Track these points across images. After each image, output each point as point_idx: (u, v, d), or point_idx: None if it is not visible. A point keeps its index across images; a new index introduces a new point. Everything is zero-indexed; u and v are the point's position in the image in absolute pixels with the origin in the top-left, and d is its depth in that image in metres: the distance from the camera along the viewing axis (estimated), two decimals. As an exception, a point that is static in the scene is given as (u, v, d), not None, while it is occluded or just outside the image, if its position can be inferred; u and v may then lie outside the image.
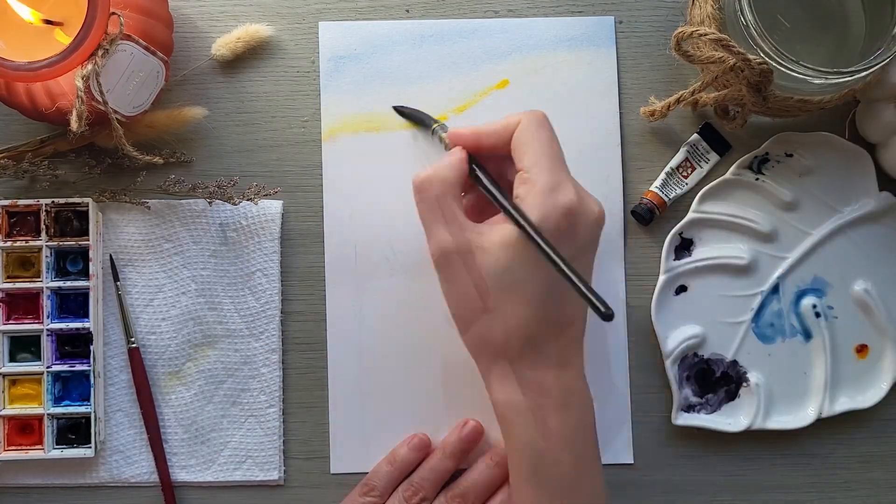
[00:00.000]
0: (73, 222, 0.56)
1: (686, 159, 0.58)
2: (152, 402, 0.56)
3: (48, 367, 0.55)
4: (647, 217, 0.58)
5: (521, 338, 0.49)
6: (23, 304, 0.56)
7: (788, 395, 0.58)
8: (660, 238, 0.58)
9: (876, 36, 0.51)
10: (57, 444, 0.56)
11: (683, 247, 0.58)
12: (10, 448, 0.55)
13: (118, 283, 0.56)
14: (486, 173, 0.51)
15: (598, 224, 0.50)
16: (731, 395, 0.57)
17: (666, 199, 0.58)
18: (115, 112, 0.51)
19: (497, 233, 0.48)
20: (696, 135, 0.58)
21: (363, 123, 0.58)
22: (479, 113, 0.58)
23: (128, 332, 0.56)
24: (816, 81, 0.50)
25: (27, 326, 0.55)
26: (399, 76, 0.58)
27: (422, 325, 0.57)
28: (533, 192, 0.48)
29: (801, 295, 0.58)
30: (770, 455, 0.58)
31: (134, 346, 0.56)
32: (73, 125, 0.49)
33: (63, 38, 0.51)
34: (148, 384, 0.56)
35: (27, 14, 0.50)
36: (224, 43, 0.57)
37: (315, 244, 0.58)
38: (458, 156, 0.51)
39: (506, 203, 0.49)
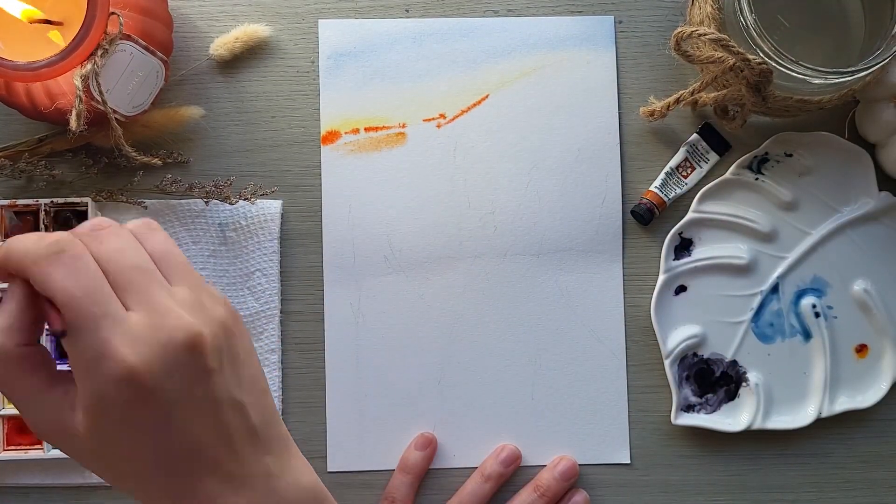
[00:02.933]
0: (72, 222, 0.56)
1: (686, 159, 0.58)
2: None
3: (47, 367, 0.55)
4: (646, 217, 0.57)
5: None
6: (22, 304, 0.56)
7: (788, 394, 0.58)
8: (659, 238, 0.58)
9: (875, 36, 0.51)
10: (56, 444, 0.56)
11: (683, 247, 0.58)
12: (10, 448, 0.55)
13: None
14: None
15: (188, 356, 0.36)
16: (731, 395, 0.57)
17: (665, 198, 0.58)
18: (115, 112, 0.51)
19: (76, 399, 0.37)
20: (695, 135, 0.58)
21: (362, 122, 0.58)
22: (480, 113, 0.58)
23: None
24: (816, 81, 0.50)
25: (26, 326, 0.55)
26: (399, 75, 0.58)
27: (420, 324, 0.57)
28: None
29: (800, 295, 0.58)
30: (770, 455, 0.58)
31: None
32: (73, 125, 0.48)
33: (58, 39, 0.51)
34: None
35: (18, 13, 0.50)
36: (222, 43, 0.57)
37: (314, 244, 0.58)
38: (21, 301, 0.37)
39: None
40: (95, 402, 0.36)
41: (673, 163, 0.58)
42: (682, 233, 0.58)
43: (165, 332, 0.35)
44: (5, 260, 0.37)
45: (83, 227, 0.38)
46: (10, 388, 0.38)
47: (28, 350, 0.38)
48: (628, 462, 0.57)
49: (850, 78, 0.49)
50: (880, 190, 0.58)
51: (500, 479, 0.56)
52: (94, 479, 0.56)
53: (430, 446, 0.57)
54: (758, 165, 0.57)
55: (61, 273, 0.35)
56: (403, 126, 0.58)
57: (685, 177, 0.58)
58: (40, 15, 0.50)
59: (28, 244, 0.36)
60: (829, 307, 0.58)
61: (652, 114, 0.56)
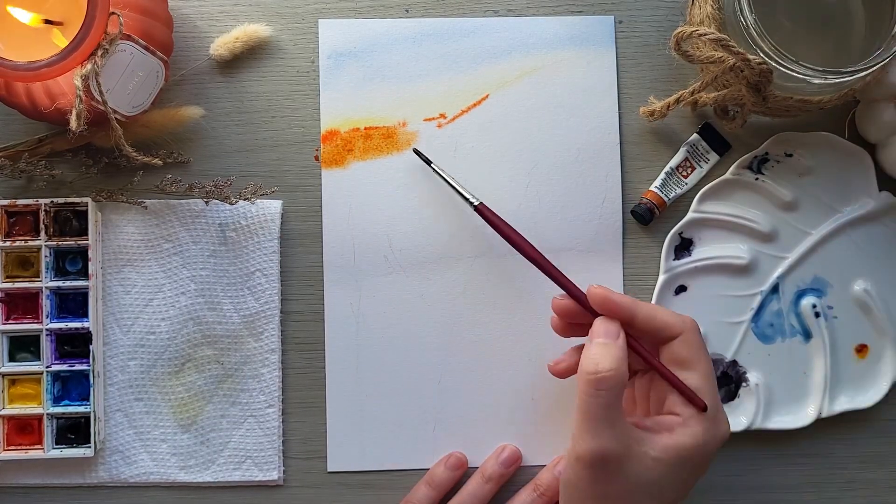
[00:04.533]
0: (72, 222, 0.56)
1: (686, 159, 0.58)
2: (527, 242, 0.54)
3: (47, 367, 0.55)
4: (646, 217, 0.57)
5: None
6: (22, 304, 0.56)
7: (788, 394, 0.58)
8: (659, 238, 0.58)
9: (876, 36, 0.51)
10: (56, 444, 0.56)
11: (683, 247, 0.58)
12: (10, 448, 0.55)
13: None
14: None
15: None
16: (731, 395, 0.57)
17: (665, 198, 0.58)
18: (115, 112, 0.51)
19: (653, 445, 0.48)
20: (695, 135, 0.58)
21: (362, 122, 0.58)
22: (480, 113, 0.58)
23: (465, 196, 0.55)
24: (816, 81, 0.50)
25: (26, 326, 0.55)
26: (399, 75, 0.58)
27: (421, 323, 0.57)
28: (697, 418, 0.48)
29: (800, 295, 0.58)
30: (770, 455, 0.58)
31: (478, 202, 0.55)
32: (73, 125, 0.48)
33: (58, 39, 0.51)
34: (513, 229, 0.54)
35: (25, 17, 0.50)
36: (222, 43, 0.57)
37: (314, 244, 0.58)
38: (623, 343, 0.49)
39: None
40: (697, 446, 0.48)
41: (673, 163, 0.58)
42: (682, 233, 0.58)
43: (727, 421, 0.50)
44: (617, 308, 0.50)
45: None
46: (613, 409, 0.47)
47: (625, 385, 0.48)
48: (628, 462, 0.57)
49: (850, 78, 0.49)
50: (880, 190, 0.58)
51: (501, 480, 0.56)
52: (94, 479, 0.56)
53: (460, 469, 0.57)
54: (758, 165, 0.57)
55: (706, 356, 0.50)
56: (404, 126, 0.58)
57: (685, 177, 0.58)
58: (41, 16, 0.50)
59: (669, 316, 0.50)
60: (830, 307, 0.58)
61: (652, 114, 0.56)
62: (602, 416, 0.47)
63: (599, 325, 0.49)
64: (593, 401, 0.47)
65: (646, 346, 0.50)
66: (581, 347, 0.50)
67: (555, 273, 0.52)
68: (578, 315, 0.51)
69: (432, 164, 0.56)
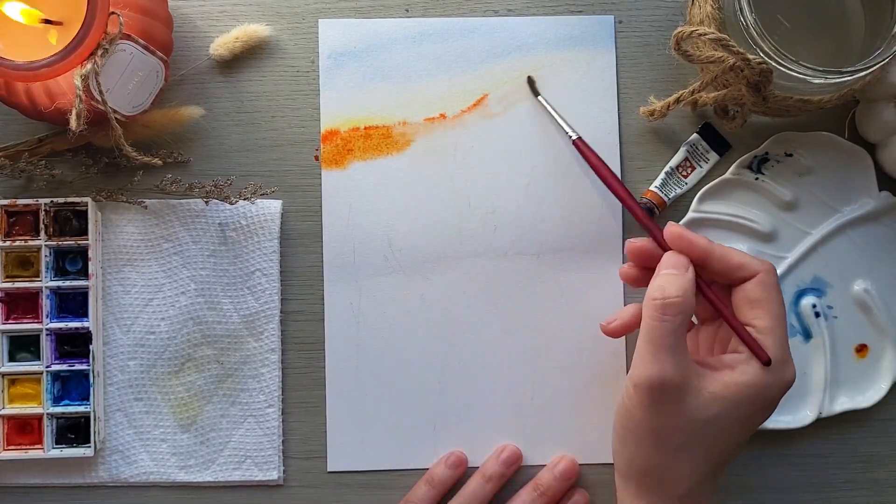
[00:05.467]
0: (72, 222, 0.56)
1: (686, 159, 0.58)
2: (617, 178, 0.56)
3: (47, 367, 0.55)
4: (646, 217, 0.57)
5: (688, 486, 0.48)
6: (22, 304, 0.56)
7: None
8: (659, 238, 0.58)
9: (875, 36, 0.51)
10: (56, 444, 0.56)
11: (683, 247, 0.58)
12: (10, 448, 0.55)
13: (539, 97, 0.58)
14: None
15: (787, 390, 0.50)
16: (731, 395, 0.57)
17: (665, 198, 0.58)
18: (115, 112, 0.51)
19: (713, 381, 0.47)
20: (695, 134, 0.58)
21: (363, 122, 0.58)
22: (480, 113, 0.58)
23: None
24: (816, 81, 0.50)
25: (26, 326, 0.55)
26: (399, 75, 0.58)
27: (421, 323, 0.57)
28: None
29: (800, 294, 0.58)
30: (770, 455, 0.58)
31: (576, 136, 0.56)
32: (73, 125, 0.48)
33: (59, 40, 0.51)
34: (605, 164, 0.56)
35: (17, 14, 0.50)
36: (222, 43, 0.57)
37: (314, 244, 0.58)
38: (692, 276, 0.49)
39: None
40: (760, 390, 0.47)
41: (673, 163, 0.58)
42: (682, 233, 0.57)
43: (793, 369, 0.49)
44: (702, 246, 0.50)
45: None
46: (672, 337, 0.47)
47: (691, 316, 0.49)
48: (628, 462, 0.57)
49: (850, 78, 0.49)
50: (880, 190, 0.57)
51: (502, 480, 0.56)
52: (94, 478, 0.56)
53: (461, 467, 0.57)
54: (758, 165, 0.57)
55: (779, 299, 0.49)
56: (403, 126, 0.58)
57: (685, 176, 0.58)
58: (41, 16, 0.50)
59: (745, 257, 0.49)
60: (830, 307, 0.58)
61: (652, 113, 0.56)
62: (665, 343, 0.47)
63: (668, 257, 0.50)
64: (658, 325, 0.47)
65: (716, 293, 0.50)
66: (636, 307, 0.51)
67: (637, 211, 0.53)
68: (654, 258, 0.51)
69: (540, 97, 0.57)
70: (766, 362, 0.47)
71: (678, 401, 0.47)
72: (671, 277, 0.48)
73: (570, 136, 0.56)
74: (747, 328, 0.48)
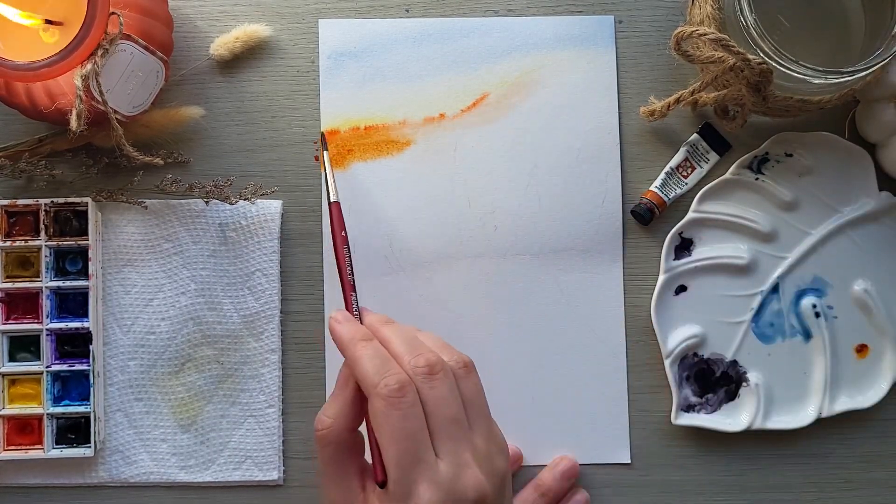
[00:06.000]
0: (72, 222, 0.56)
1: (686, 159, 0.58)
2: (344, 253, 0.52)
3: (47, 367, 0.55)
4: (646, 217, 0.57)
5: None
6: (22, 304, 0.56)
7: (788, 394, 0.58)
8: (659, 238, 0.58)
9: (875, 36, 0.51)
10: (56, 444, 0.56)
11: (683, 247, 0.58)
12: (10, 448, 0.55)
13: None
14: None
15: (495, 490, 0.44)
16: (731, 395, 0.57)
17: (666, 198, 0.58)
18: (115, 112, 0.51)
19: None
20: (695, 135, 0.58)
21: (363, 122, 0.58)
22: (480, 113, 0.58)
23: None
24: (816, 81, 0.50)
25: (26, 326, 0.55)
26: (399, 75, 0.58)
27: (421, 323, 0.57)
28: (377, 495, 0.43)
29: (800, 295, 0.58)
30: (770, 455, 0.58)
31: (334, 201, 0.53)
32: (73, 125, 0.48)
33: (58, 39, 0.51)
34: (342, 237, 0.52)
35: (14, 15, 0.50)
36: (222, 43, 0.57)
37: (314, 244, 0.58)
38: (350, 394, 0.46)
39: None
40: None
41: (673, 163, 0.58)
42: (682, 233, 0.58)
43: (461, 487, 0.42)
44: (340, 345, 0.46)
45: (419, 367, 0.44)
46: (332, 466, 0.45)
47: (353, 436, 0.46)
48: (628, 462, 0.57)
49: (850, 78, 0.49)
50: (880, 190, 0.58)
51: None
52: (94, 479, 0.56)
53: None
54: (758, 165, 0.57)
55: (395, 417, 0.42)
56: (403, 126, 0.58)
57: (685, 177, 0.58)
58: (41, 16, 0.50)
59: (370, 370, 0.44)
60: (830, 307, 0.58)
61: (652, 114, 0.56)
62: (326, 473, 0.45)
63: (340, 370, 0.48)
64: (320, 454, 0.45)
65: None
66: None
67: (345, 290, 0.50)
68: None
69: (325, 152, 0.56)
70: (381, 483, 0.43)
71: None
72: (330, 400, 0.46)
73: (330, 199, 0.53)
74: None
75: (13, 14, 0.50)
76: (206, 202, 0.57)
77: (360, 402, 0.46)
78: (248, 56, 0.58)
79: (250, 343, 0.57)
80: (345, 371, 0.47)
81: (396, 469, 0.42)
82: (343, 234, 0.51)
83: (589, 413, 0.57)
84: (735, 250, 0.57)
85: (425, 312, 0.57)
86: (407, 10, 0.59)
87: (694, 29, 0.50)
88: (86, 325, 0.55)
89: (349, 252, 0.51)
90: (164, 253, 0.57)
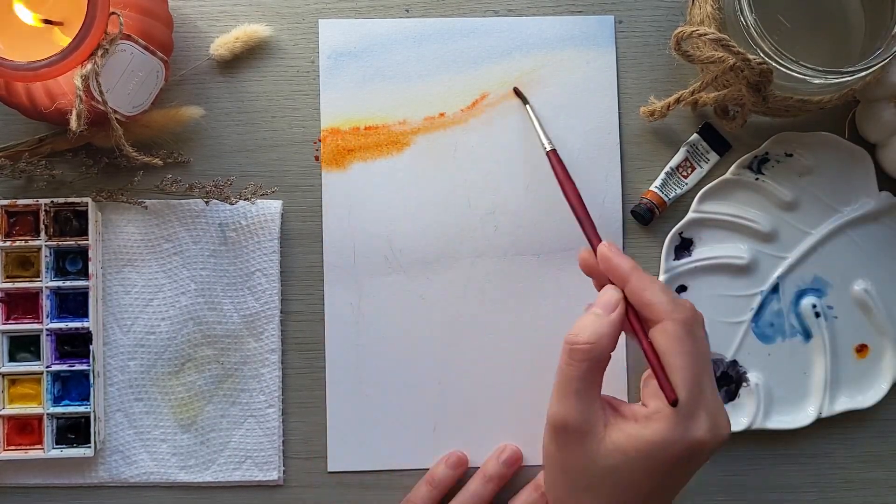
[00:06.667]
0: (72, 222, 0.56)
1: (686, 159, 0.58)
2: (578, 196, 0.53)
3: (48, 367, 0.55)
4: (646, 217, 0.57)
5: None
6: (22, 304, 0.56)
7: (788, 394, 0.58)
8: (659, 238, 0.58)
9: (875, 36, 0.51)
10: (56, 444, 0.56)
11: (683, 247, 0.58)
12: (10, 448, 0.55)
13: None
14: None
15: (720, 447, 0.47)
16: (731, 395, 0.57)
17: (666, 198, 0.58)
18: (115, 112, 0.51)
19: (617, 431, 0.46)
20: (695, 135, 0.58)
21: (363, 122, 0.58)
22: (480, 113, 0.58)
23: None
24: (816, 81, 0.50)
25: (26, 326, 0.55)
26: (399, 75, 0.58)
27: (421, 323, 0.57)
28: (664, 413, 0.45)
29: (800, 295, 0.58)
30: (770, 455, 0.58)
31: (551, 148, 0.55)
32: (73, 125, 0.48)
33: (58, 39, 0.51)
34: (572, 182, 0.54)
35: (28, 17, 0.50)
36: (222, 43, 0.57)
37: (314, 244, 0.58)
38: (616, 318, 0.48)
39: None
40: (661, 445, 0.45)
41: (673, 163, 0.58)
42: (682, 233, 0.58)
43: (720, 424, 0.46)
44: (620, 272, 0.48)
45: (689, 309, 0.47)
46: (584, 382, 0.46)
47: (609, 357, 0.48)
48: (628, 462, 0.57)
49: (850, 78, 0.49)
50: (880, 190, 0.58)
51: (502, 480, 0.56)
52: (94, 479, 0.56)
53: (461, 467, 0.57)
54: (758, 165, 0.57)
55: (690, 343, 0.46)
56: (403, 126, 0.58)
57: (685, 177, 0.58)
58: (41, 16, 0.50)
59: (664, 297, 0.47)
60: (830, 307, 0.58)
61: (652, 114, 0.56)
62: (569, 388, 0.46)
63: (602, 294, 0.49)
64: (566, 368, 0.47)
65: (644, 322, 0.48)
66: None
67: (588, 229, 0.52)
68: (599, 274, 0.51)
69: (528, 105, 0.57)
70: (673, 402, 0.45)
71: (580, 444, 0.46)
72: (590, 319, 0.48)
73: (545, 147, 0.55)
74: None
75: (27, 16, 0.50)
76: (206, 202, 0.57)
77: (621, 327, 0.48)
78: (248, 56, 0.58)
79: (250, 343, 0.57)
80: (613, 295, 0.48)
81: (687, 391, 0.45)
82: (570, 179, 0.53)
83: (589, 413, 0.57)
84: (735, 250, 0.57)
85: (425, 312, 0.57)
86: (407, 10, 0.59)
87: (694, 29, 0.50)
88: (86, 325, 0.55)
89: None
90: (164, 253, 0.57)
